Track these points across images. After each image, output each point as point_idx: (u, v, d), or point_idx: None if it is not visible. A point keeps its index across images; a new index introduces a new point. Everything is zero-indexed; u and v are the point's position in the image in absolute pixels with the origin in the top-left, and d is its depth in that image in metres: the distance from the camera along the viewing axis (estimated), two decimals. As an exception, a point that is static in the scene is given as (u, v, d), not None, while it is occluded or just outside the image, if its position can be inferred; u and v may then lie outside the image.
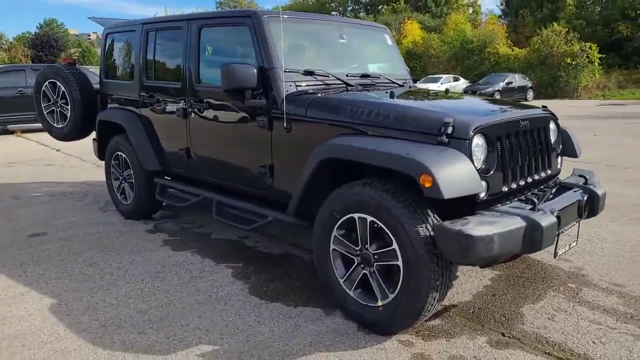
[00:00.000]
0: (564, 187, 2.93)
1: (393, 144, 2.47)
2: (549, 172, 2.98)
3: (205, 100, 3.68)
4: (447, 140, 2.40)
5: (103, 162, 5.12)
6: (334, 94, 3.17)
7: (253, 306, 2.96)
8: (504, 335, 2.61)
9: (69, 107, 5.08)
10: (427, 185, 2.23)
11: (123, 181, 4.82)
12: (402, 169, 2.32)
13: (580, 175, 3.05)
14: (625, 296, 3.04)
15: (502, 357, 2.40)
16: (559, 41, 26.70)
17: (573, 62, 25.76)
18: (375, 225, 2.51)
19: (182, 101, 3.89)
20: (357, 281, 2.68)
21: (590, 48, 26.16)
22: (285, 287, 3.24)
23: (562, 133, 3.19)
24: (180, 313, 2.87)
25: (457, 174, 2.28)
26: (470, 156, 2.38)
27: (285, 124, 3.09)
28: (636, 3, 31.62)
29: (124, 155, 4.67)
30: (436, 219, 2.39)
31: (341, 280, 2.75)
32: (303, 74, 3.30)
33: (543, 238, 2.30)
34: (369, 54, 4.20)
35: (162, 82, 4.19)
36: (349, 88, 3.33)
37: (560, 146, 3.16)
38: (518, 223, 2.28)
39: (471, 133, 2.42)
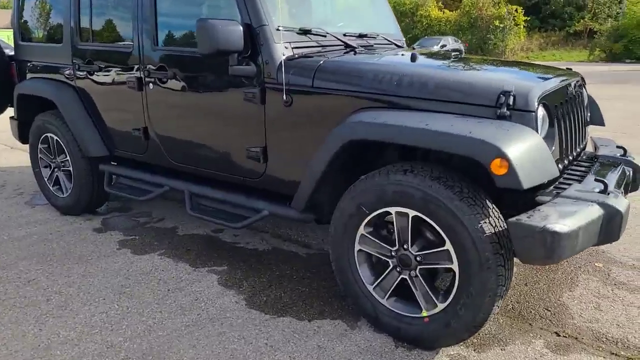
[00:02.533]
0: (604, 161, 2.60)
1: (444, 120, 1.97)
2: (584, 144, 2.65)
3: (169, 67, 2.94)
4: (508, 113, 1.94)
5: (23, 145, 4.19)
6: (344, 57, 2.59)
7: (258, 324, 2.40)
8: (559, 335, 2.27)
9: (-26, 79, 4.05)
10: (502, 172, 1.77)
11: (56, 169, 3.95)
12: (467, 153, 1.83)
13: (618, 147, 2.75)
14: (657, 274, 2.83)
15: (571, 366, 2.06)
16: (487, 4, 27.35)
17: (501, 25, 26.57)
18: (419, 222, 2.04)
19: (135, 69, 3.12)
20: (391, 288, 2.21)
21: (516, 11, 27.09)
22: (289, 294, 2.70)
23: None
24: (167, 344, 2.25)
25: (533, 156, 1.83)
26: (537, 132, 1.94)
27: (284, 96, 2.48)
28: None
29: (55, 137, 3.79)
30: (497, 212, 1.95)
31: (370, 287, 2.26)
32: (298, 33, 2.68)
33: (622, 226, 1.94)
34: (359, 9, 3.61)
35: (103, 45, 3.36)
36: (355, 50, 2.75)
37: (589, 114, 2.83)
38: (597, 211, 1.89)
39: (536, 103, 1.98)
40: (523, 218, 1.79)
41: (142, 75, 3.08)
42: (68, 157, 3.75)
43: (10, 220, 3.86)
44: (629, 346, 2.18)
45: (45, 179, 4.04)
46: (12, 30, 4.12)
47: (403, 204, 2.04)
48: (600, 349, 2.17)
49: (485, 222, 1.87)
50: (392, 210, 2.10)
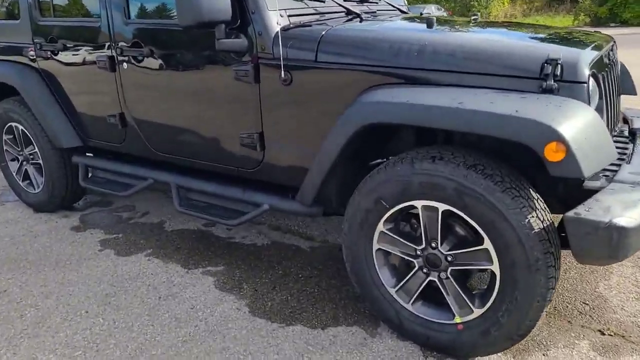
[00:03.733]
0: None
1: (480, 96, 1.66)
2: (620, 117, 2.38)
3: (144, 44, 2.56)
4: (556, 85, 1.64)
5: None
6: (351, 26, 2.24)
7: (265, 336, 2.11)
8: (603, 334, 2.04)
9: None
10: (558, 158, 1.48)
11: (25, 162, 3.55)
12: (514, 137, 1.53)
13: (649, 118, 2.48)
14: (692, 255, 2.61)
15: (623, 371, 1.83)
16: (470, -31, 26.72)
17: (484, -8, 26.07)
18: (450, 216, 1.75)
19: (106, 46, 2.72)
20: (417, 291, 1.93)
21: (499, -24, 26.59)
22: (296, 296, 2.41)
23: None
24: (164, 365, 1.96)
25: (592, 137, 1.54)
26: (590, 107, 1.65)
27: (282, 74, 2.14)
28: None
29: (21, 127, 3.39)
30: (543, 204, 1.67)
31: (392, 290, 1.99)
32: (296, -1, 2.33)
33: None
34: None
35: (67, 20, 2.94)
36: (361, 17, 2.40)
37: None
38: (659, 199, 1.62)
39: (587, 72, 1.68)
40: (582, 212, 1.51)
41: (114, 54, 2.69)
42: (37, 149, 3.36)
43: (-23, 221, 3.48)
44: (683, 343, 1.96)
45: (14, 174, 3.64)
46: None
47: (432, 196, 1.75)
48: (652, 347, 1.94)
49: (532, 217, 1.59)
50: (418, 204, 1.80)
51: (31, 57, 3.15)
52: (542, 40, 2.02)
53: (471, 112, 1.59)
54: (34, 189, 3.54)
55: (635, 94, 2.66)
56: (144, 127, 2.77)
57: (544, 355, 1.93)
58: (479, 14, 2.71)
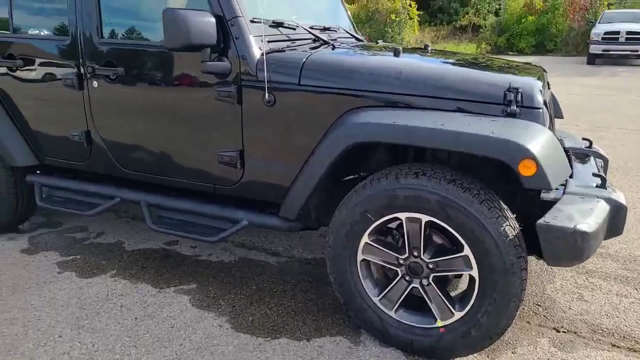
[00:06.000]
0: (576, 154, 2.68)
1: (457, 119, 1.88)
2: (557, 138, 2.72)
3: (118, 63, 2.55)
4: (518, 110, 1.90)
5: None
6: (332, 52, 2.39)
7: (253, 350, 2.16)
8: (558, 331, 2.30)
9: None
10: (530, 172, 1.71)
11: (-34, 182, 3.32)
12: (491, 154, 1.75)
13: (584, 139, 2.85)
14: (617, 258, 3.01)
15: (577, 360, 2.09)
16: (383, -2, 28.26)
17: (397, 19, 27.66)
18: (430, 227, 1.94)
19: (75, 65, 2.67)
20: (400, 298, 2.09)
21: (410, 5, 28.37)
22: (276, 310, 2.48)
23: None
24: (155, 384, 1.95)
25: (554, 155, 1.80)
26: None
27: (266, 95, 2.25)
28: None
29: (-36, 144, 3.18)
30: (511, 214, 1.90)
31: (376, 299, 2.13)
32: (271, 25, 2.45)
33: (625, 220, 1.98)
34: (313, 1, 3.40)
35: (30, 37, 2.85)
36: (334, 45, 2.56)
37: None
38: (605, 207, 1.92)
39: (541, 99, 1.95)
40: (550, 220, 1.75)
41: (84, 72, 2.65)
42: (-18, 167, 3.16)
43: None
44: (625, 336, 2.26)
45: (-49, 194, 3.38)
46: None
47: (416, 209, 1.92)
48: (601, 342, 2.22)
49: (507, 225, 1.81)
50: (402, 216, 1.97)
51: (-18, 72, 2.99)
52: (498, 70, 2.29)
53: (455, 132, 1.79)
54: (-24, 211, 3.31)
55: (562, 117, 3.04)
56: (112, 146, 2.73)
57: (512, 353, 2.15)
58: (429, 45, 2.98)
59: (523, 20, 20.62)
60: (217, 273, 2.87)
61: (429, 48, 2.87)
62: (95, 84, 2.64)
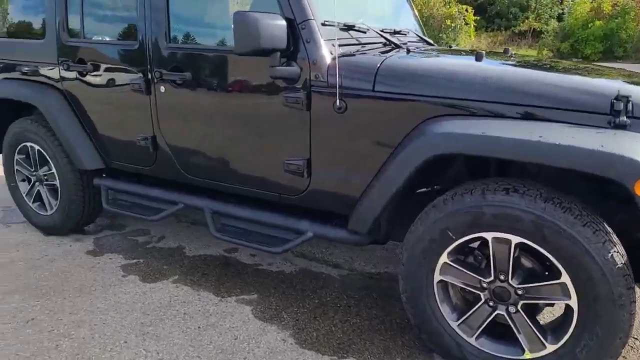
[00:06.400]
0: None
1: (558, 130, 1.69)
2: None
3: (185, 68, 2.52)
4: (629, 122, 1.68)
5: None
6: (409, 57, 2.26)
7: (319, 369, 2.05)
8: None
9: None
10: (646, 193, 1.50)
11: (38, 183, 3.41)
12: (600, 171, 1.55)
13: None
14: None
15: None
16: (438, 3, 27.56)
17: (452, 24, 26.89)
18: (520, 249, 1.76)
19: (142, 70, 2.67)
20: (482, 325, 1.91)
21: (466, 10, 27.53)
22: (340, 327, 2.36)
23: None
24: (220, 401, 1.87)
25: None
26: None
27: (337, 102, 2.13)
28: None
29: (37, 147, 3.27)
30: (616, 239, 1.68)
31: (454, 324, 1.96)
32: (342, 29, 2.34)
33: None
34: (382, 3, 3.26)
35: (100, 42, 2.88)
36: (409, 49, 2.42)
37: None
38: None
39: (654, 110, 1.73)
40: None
41: (151, 77, 2.64)
42: (53, 170, 3.24)
43: (-17, 244, 3.30)
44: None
45: (24, 195, 3.49)
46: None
47: (505, 229, 1.75)
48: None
49: (615, 251, 1.61)
50: (488, 235, 1.80)
51: (54, 77, 3.06)
52: (599, 76, 2.07)
53: (556, 145, 1.60)
54: (46, 211, 3.40)
55: None
56: (177, 151, 2.71)
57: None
58: (510, 49, 2.77)
59: (590, 25, 19.46)
60: (278, 284, 2.78)
61: (510, 52, 2.66)
62: (162, 88, 2.62)
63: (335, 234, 2.33)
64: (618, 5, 19.10)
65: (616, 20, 18.50)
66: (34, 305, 2.53)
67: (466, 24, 28.20)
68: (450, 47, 3.36)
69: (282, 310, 2.50)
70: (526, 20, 28.71)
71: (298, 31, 2.19)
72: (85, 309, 2.50)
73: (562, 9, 26.51)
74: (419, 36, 3.07)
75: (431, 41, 3.17)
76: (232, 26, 2.08)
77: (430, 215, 1.91)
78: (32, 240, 3.35)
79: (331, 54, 2.19)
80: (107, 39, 2.86)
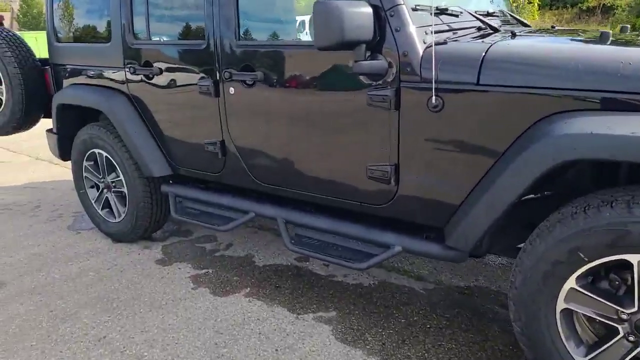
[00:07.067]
0: None
1: None
2: None
3: (257, 67, 2.32)
4: None
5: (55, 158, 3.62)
6: (519, 42, 1.93)
7: (417, 407, 1.80)
8: None
9: (2, 87, 3.48)
10: None
11: (106, 190, 3.36)
12: None
13: None
14: None
15: None
16: (497, -19, 26.31)
17: (514, 4, 25.57)
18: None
19: (210, 70, 2.50)
20: (619, 362, 1.59)
21: (529, -13, 26.11)
22: (434, 354, 2.09)
23: None
24: None
25: None
26: None
27: (433, 99, 1.85)
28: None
29: (105, 154, 3.20)
30: None
31: (582, 360, 1.65)
32: (435, 13, 2.04)
33: None
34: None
35: (166, 43, 2.75)
36: (514, 33, 2.09)
37: None
38: None
39: None
40: None
41: (220, 78, 2.46)
42: (121, 177, 3.16)
43: (56, 251, 3.28)
44: None
45: (93, 202, 3.45)
46: (41, 32, 3.53)
47: (657, 251, 1.41)
48: None
49: None
50: (634, 259, 1.47)
51: (121, 81, 2.96)
52: None
53: None
54: (115, 218, 3.34)
55: None
56: (248, 156, 2.53)
57: None
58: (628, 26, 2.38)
59: None
60: (356, 299, 2.55)
61: (628, 30, 2.27)
62: (231, 90, 2.44)
63: (427, 249, 2.06)
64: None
65: (698, -9, 16.90)
66: (106, 321, 2.43)
67: (529, 2, 26.75)
68: (553, 27, 2.96)
69: (366, 332, 2.26)
70: (595, -5, 26.81)
71: (385, 19, 1.93)
72: (157, 325, 2.37)
73: (635, -18, 24.56)
74: (513, 17, 2.72)
75: (527, 22, 2.81)
76: (312, 17, 1.84)
77: (555, 232, 1.60)
78: (102, 248, 3.30)
79: (424, 43, 1.92)
80: (173, 40, 2.72)
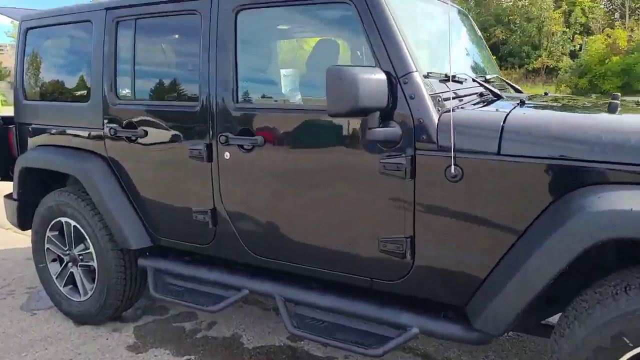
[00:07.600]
0: None
1: None
2: None
3: (258, 131, 2.17)
4: None
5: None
6: (532, 112, 1.90)
7: None
8: None
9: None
10: None
11: (71, 264, 3.00)
12: None
13: None
14: None
15: None
16: (450, 44, 28.11)
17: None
18: None
19: (204, 134, 2.33)
20: None
21: (479, 51, 28.07)
22: None
23: None
24: None
25: None
26: None
27: (452, 168, 1.75)
28: (507, 9, 34.23)
29: (73, 223, 2.88)
30: None
31: None
32: (442, 80, 1.99)
33: None
34: (467, 50, 2.94)
35: (153, 104, 2.56)
36: (522, 100, 2.06)
37: None
38: None
39: None
40: None
41: (215, 142, 2.29)
42: (91, 249, 2.83)
43: (7, 339, 2.84)
44: None
45: (54, 277, 3.07)
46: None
47: None
48: None
49: None
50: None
51: (99, 144, 2.73)
52: None
53: None
54: (80, 297, 2.96)
55: None
56: (242, 227, 2.31)
57: None
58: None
59: (606, 61, 19.76)
60: (363, 385, 2.30)
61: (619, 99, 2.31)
62: (227, 155, 2.26)
63: (449, 331, 1.88)
64: (633, 41, 19.45)
65: (633, 55, 18.73)
66: None
67: (482, 64, 28.81)
68: (546, 93, 3.01)
69: None
70: (539, 58, 29.17)
71: (399, 86, 1.85)
72: None
73: (574, 46, 26.98)
74: (506, 82, 2.74)
75: (519, 88, 2.84)
76: (326, 83, 1.74)
77: (595, 315, 1.47)
78: (63, 333, 2.89)
79: (439, 110, 1.84)
80: (162, 101, 2.54)
